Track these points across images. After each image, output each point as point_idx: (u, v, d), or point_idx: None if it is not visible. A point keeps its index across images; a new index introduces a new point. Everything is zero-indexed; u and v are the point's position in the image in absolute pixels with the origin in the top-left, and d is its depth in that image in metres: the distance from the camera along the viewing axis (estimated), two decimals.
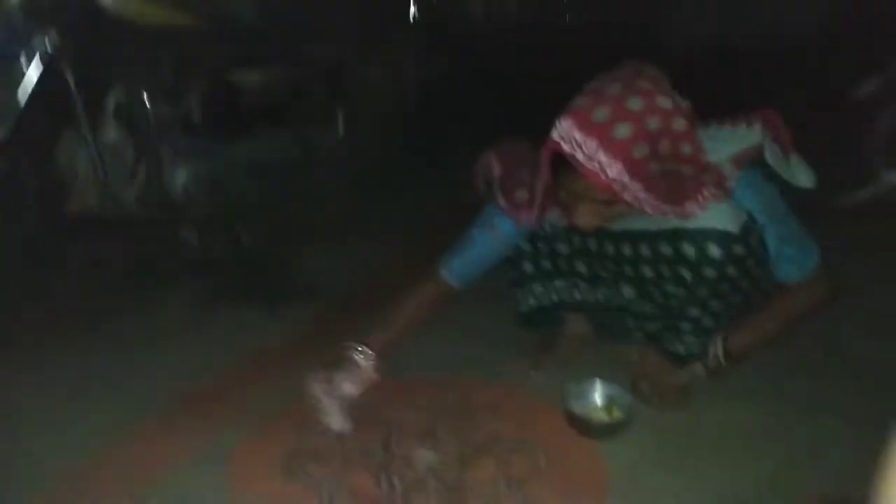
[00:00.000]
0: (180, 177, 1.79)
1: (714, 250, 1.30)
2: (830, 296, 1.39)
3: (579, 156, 1.18)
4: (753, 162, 1.31)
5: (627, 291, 1.55)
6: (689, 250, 1.33)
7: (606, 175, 1.18)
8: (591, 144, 1.17)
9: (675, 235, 1.33)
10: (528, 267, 1.61)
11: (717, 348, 1.42)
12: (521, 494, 1.22)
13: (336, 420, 1.36)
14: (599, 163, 1.17)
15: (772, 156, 1.31)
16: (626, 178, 1.19)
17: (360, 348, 1.42)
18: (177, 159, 1.78)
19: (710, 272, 1.33)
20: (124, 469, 1.27)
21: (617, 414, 1.42)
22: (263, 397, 1.51)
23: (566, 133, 1.19)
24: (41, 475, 1.24)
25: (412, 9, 2.99)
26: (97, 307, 1.88)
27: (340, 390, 1.37)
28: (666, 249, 1.36)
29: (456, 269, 1.50)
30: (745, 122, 1.33)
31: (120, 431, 1.38)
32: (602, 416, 1.42)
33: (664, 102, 1.20)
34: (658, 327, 1.57)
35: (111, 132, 1.68)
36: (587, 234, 1.48)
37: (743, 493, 1.23)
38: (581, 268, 1.58)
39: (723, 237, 1.29)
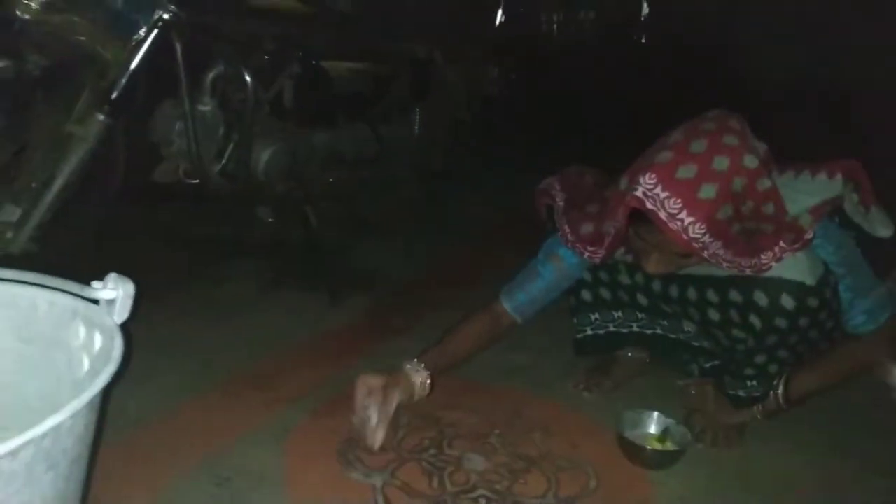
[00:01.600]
0: (264, 156, 1.83)
1: (788, 301, 1.28)
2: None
3: (662, 214, 1.16)
4: (831, 214, 1.29)
5: (689, 326, 1.54)
6: (761, 299, 1.31)
7: (688, 235, 1.17)
8: (675, 203, 1.16)
9: (748, 283, 1.31)
10: (586, 295, 1.60)
11: (777, 391, 1.41)
12: None
13: (378, 434, 1.31)
14: (682, 222, 1.16)
15: (851, 208, 1.30)
16: (707, 239, 1.17)
17: (417, 365, 1.40)
18: (264, 139, 1.82)
19: (781, 322, 1.31)
20: (188, 434, 1.32)
21: (669, 445, 1.42)
22: (321, 382, 1.55)
23: (649, 189, 1.17)
24: (111, 431, 1.29)
25: (499, 16, 3.01)
26: (167, 274, 1.94)
27: (390, 404, 1.33)
28: (735, 296, 1.35)
29: (522, 303, 1.48)
30: (826, 171, 1.30)
31: (184, 397, 1.43)
32: (655, 445, 1.42)
33: (750, 162, 1.18)
34: (717, 365, 1.56)
35: (206, 106, 1.73)
36: (654, 278, 1.47)
37: None
38: (642, 300, 1.57)
39: (798, 288, 1.27)
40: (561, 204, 1.48)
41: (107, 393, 0.65)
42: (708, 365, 1.60)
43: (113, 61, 1.49)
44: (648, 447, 1.40)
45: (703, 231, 1.16)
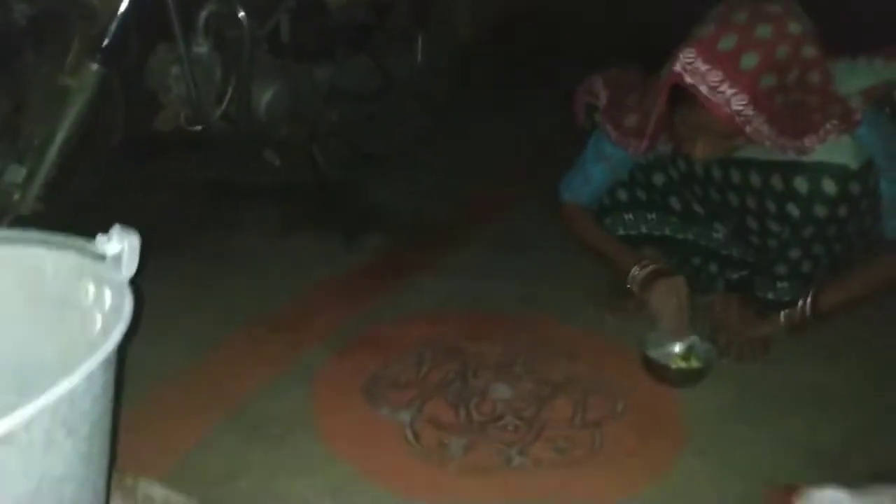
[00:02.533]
0: (265, 97, 1.78)
1: (829, 186, 1.26)
2: None
3: (703, 88, 1.14)
4: (882, 102, 1.25)
5: (720, 231, 1.52)
6: (802, 185, 1.28)
7: (731, 108, 1.14)
8: (715, 75, 1.13)
9: (790, 168, 1.29)
10: (622, 195, 1.59)
11: (806, 302, 1.39)
12: (598, 434, 1.23)
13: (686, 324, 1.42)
14: (723, 94, 1.13)
15: None
16: (750, 111, 1.14)
17: (651, 262, 1.47)
18: (263, 79, 1.77)
19: (820, 210, 1.28)
20: (215, 382, 1.32)
21: (695, 362, 1.41)
22: (341, 323, 1.55)
23: (689, 64, 1.14)
24: (136, 386, 1.29)
25: None
26: (178, 225, 1.93)
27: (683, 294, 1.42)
28: (777, 182, 1.32)
29: (586, 200, 1.57)
30: (883, 55, 1.26)
31: (207, 345, 1.43)
32: (680, 364, 1.41)
33: (794, 28, 1.14)
34: (744, 275, 1.54)
35: (202, 47, 1.67)
36: (695, 161, 1.44)
37: (820, 450, 1.22)
38: (675, 203, 1.56)
39: (840, 172, 1.24)
40: (604, 102, 1.47)
41: (122, 350, 0.64)
42: (735, 276, 1.58)
43: (101, 6, 1.43)
44: (673, 366, 1.39)
45: (745, 103, 1.14)
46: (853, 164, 1.25)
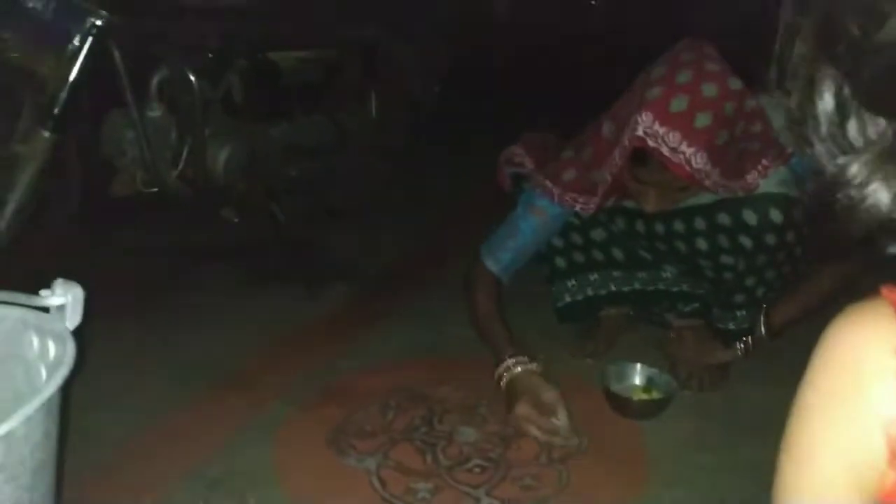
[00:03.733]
0: (222, 156, 1.80)
1: (776, 215, 1.32)
2: (867, 265, 1.39)
3: (664, 150, 1.18)
4: None
5: (669, 271, 1.56)
6: (750, 217, 1.34)
7: (691, 166, 1.19)
8: (674, 137, 1.18)
9: (735, 204, 1.34)
10: (560, 262, 1.61)
11: (760, 323, 1.44)
12: (564, 471, 1.24)
13: (570, 431, 1.29)
14: (684, 154, 1.18)
15: None
16: (709, 167, 1.20)
17: (519, 359, 1.36)
18: (219, 139, 1.79)
19: (770, 238, 1.34)
20: (175, 442, 1.30)
21: (656, 394, 1.43)
22: (305, 374, 1.54)
23: (648, 126, 1.19)
24: (94, 449, 1.27)
25: None
26: (139, 287, 1.92)
27: (549, 407, 1.29)
28: (724, 219, 1.37)
29: (505, 264, 1.47)
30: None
31: (168, 406, 1.41)
32: (642, 395, 1.43)
33: (735, 84, 1.22)
34: (697, 308, 1.58)
35: (155, 111, 1.69)
36: (635, 217, 1.48)
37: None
38: (618, 255, 1.59)
39: (783, 201, 1.31)
40: (531, 166, 1.48)
41: (66, 398, 0.64)
42: (687, 309, 1.62)
43: (49, 75, 1.45)
44: (635, 398, 1.42)
45: (704, 160, 1.19)
46: (792, 192, 1.31)
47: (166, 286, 1.96)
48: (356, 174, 2.38)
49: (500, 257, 1.47)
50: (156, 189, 1.75)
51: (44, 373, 0.70)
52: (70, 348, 0.65)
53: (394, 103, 2.48)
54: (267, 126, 1.97)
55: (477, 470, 1.24)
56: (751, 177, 1.29)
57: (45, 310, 0.73)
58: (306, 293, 1.91)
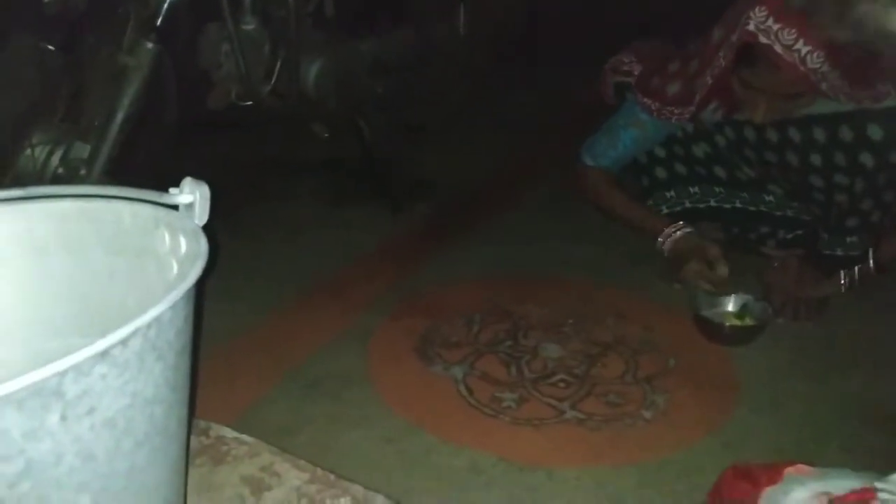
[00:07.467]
0: (312, 71, 1.81)
1: None
2: None
3: (777, 47, 1.12)
4: None
5: (773, 193, 1.49)
6: (875, 132, 1.25)
7: (806, 66, 1.12)
8: (789, 34, 1.11)
9: (861, 117, 1.26)
10: (661, 173, 1.57)
11: (869, 256, 1.37)
12: (650, 389, 1.24)
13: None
14: (798, 52, 1.11)
15: None
16: (826, 68, 1.12)
17: (680, 227, 1.46)
18: (310, 54, 1.80)
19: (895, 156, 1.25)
20: (272, 347, 1.37)
21: (749, 320, 1.40)
22: (392, 287, 1.58)
23: (761, 22, 1.12)
24: (203, 340, 1.34)
25: None
26: (232, 197, 1.99)
27: (714, 262, 1.40)
28: (846, 133, 1.29)
29: (607, 167, 1.53)
30: None
31: (262, 313, 1.47)
32: (734, 322, 1.40)
33: None
34: (800, 235, 1.52)
35: (249, 24, 1.71)
36: (744, 124, 1.41)
37: (876, 402, 1.21)
38: (720, 172, 1.53)
39: None
40: (638, 72, 1.45)
41: (199, 293, 0.68)
42: (790, 236, 1.56)
43: None
44: (727, 324, 1.39)
45: (821, 60, 1.12)
46: None
47: (258, 197, 2.02)
48: (441, 91, 2.35)
49: (603, 161, 1.53)
50: (250, 102, 1.77)
51: (175, 267, 0.74)
52: (203, 243, 0.69)
53: (485, 18, 2.41)
54: (356, 41, 1.96)
55: (561, 384, 1.25)
56: (882, 86, 1.20)
57: (175, 207, 0.77)
58: (392, 208, 1.94)
